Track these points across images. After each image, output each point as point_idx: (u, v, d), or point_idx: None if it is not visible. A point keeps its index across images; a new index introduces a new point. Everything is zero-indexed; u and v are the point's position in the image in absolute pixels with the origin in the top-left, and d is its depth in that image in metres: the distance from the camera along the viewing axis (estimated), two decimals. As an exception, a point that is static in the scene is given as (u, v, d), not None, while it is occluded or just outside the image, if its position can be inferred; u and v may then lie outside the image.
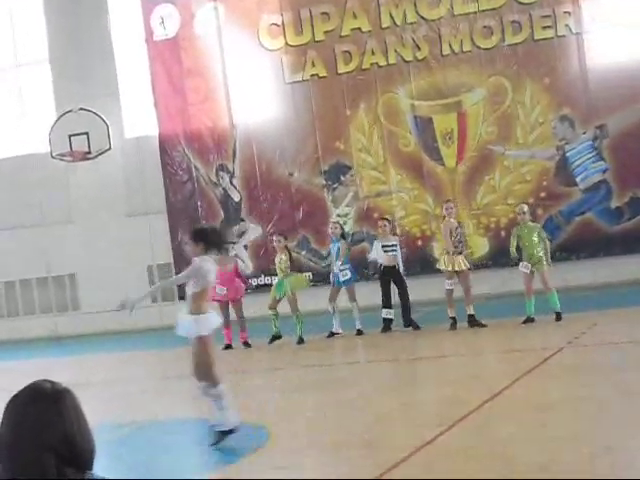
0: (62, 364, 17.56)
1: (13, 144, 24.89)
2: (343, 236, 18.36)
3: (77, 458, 3.06)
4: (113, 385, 15.19)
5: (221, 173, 23.16)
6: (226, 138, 23.00)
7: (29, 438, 3.00)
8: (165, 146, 23.41)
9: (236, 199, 23.11)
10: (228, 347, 17.87)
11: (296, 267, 18.89)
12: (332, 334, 17.80)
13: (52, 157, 22.88)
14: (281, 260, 17.97)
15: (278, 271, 18.10)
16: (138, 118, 23.79)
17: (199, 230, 10.91)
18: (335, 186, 22.42)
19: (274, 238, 18.89)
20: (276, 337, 17.66)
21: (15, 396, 3.10)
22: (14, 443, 3.00)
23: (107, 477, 3.13)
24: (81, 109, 22.75)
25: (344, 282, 17.82)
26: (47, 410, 3.05)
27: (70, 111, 22.89)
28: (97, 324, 23.47)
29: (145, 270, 23.88)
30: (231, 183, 23.12)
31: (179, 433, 11.45)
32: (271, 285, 19.24)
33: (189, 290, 10.54)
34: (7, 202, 24.42)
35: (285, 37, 22.53)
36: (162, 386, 15.14)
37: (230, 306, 17.95)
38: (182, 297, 23.06)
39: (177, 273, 23.32)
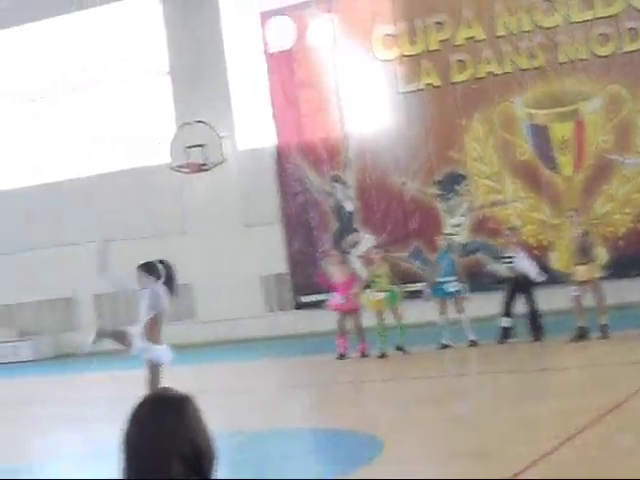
0: (177, 373, 17.75)
1: (135, 156, 25.32)
2: (454, 247, 18.25)
3: (201, 465, 3.08)
4: (228, 394, 15.33)
5: (334, 183, 23.23)
6: (339, 149, 23.07)
7: (159, 445, 3.01)
8: (280, 157, 23.59)
9: (349, 209, 23.15)
10: (342, 357, 17.87)
11: (406, 278, 18.82)
12: (444, 346, 17.66)
13: (171, 169, 23.25)
14: (382, 270, 17.98)
15: (380, 282, 17.99)
16: (254, 130, 24.00)
17: (152, 264, 10.88)
18: (449, 196, 22.27)
19: (373, 251, 19.08)
20: (384, 354, 17.56)
21: (140, 403, 3.12)
22: (143, 449, 3.02)
23: None
24: (198, 121, 23.09)
25: (452, 293, 17.71)
26: (174, 417, 3.07)
27: (187, 124, 23.26)
28: (212, 333, 23.73)
29: (259, 280, 24.06)
30: (344, 193, 23.17)
31: (294, 442, 11.50)
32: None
33: (144, 316, 10.79)
34: (125, 213, 24.86)
35: (399, 47, 22.51)
36: (277, 395, 15.22)
37: (349, 316, 17.96)
38: (299, 307, 23.36)
39: (293, 283, 23.49)
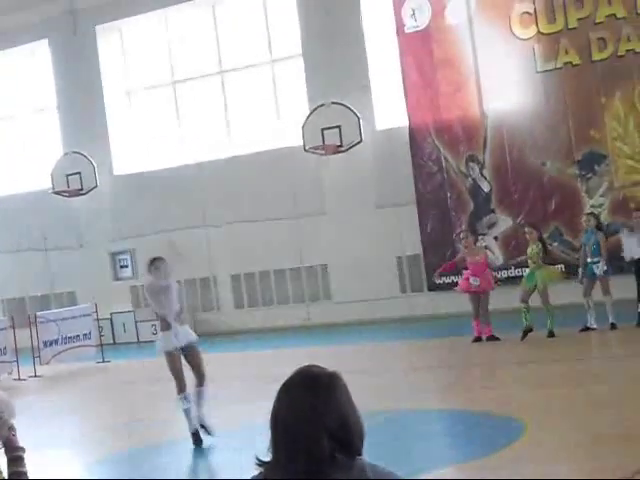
0: (314, 353, 17.92)
1: (269, 138, 25.60)
2: (599, 227, 17.87)
3: (349, 443, 3.08)
4: (363, 375, 15.37)
5: (471, 164, 23.03)
6: (476, 128, 22.83)
7: (310, 421, 3.03)
8: (415, 137, 23.49)
9: (486, 190, 22.92)
10: (477, 339, 17.74)
11: (549, 259, 18.52)
12: (586, 328, 17.34)
13: (305, 150, 23.40)
14: (532, 251, 17.67)
15: (529, 262, 17.81)
16: (389, 110, 23.95)
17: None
18: (589, 176, 21.83)
19: (525, 229, 18.64)
20: (528, 331, 17.31)
21: (289, 380, 3.14)
22: (294, 425, 3.04)
23: (377, 464, 3.13)
24: (333, 103, 23.16)
25: (599, 275, 17.35)
26: (324, 394, 3.08)
27: (322, 105, 23.35)
28: (348, 314, 23.83)
29: (395, 261, 24.06)
30: (481, 174, 22.95)
31: (432, 424, 11.49)
32: (521, 277, 18.95)
33: (175, 305, 12.10)
34: (263, 194, 25.14)
35: (537, 25, 22.13)
36: (412, 377, 15.22)
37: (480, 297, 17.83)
38: (431, 288, 23.30)
39: (426, 264, 23.44)
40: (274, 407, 3.11)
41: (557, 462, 8.48)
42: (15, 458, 5.70)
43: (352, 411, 3.11)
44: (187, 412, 11.64)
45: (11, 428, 5.52)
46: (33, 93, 29.39)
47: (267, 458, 3.09)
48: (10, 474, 5.73)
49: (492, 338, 17.61)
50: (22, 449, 5.77)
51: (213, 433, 11.51)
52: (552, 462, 8.43)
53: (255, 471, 3.12)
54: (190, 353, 11.76)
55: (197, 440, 11.43)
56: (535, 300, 17.40)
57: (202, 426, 11.55)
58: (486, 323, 17.70)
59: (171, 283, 12.13)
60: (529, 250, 17.78)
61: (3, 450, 5.58)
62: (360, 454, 3.11)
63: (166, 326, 11.84)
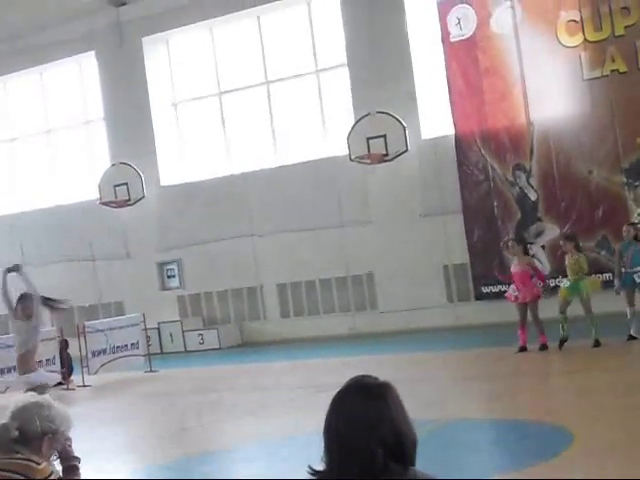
0: (361, 362, 17.91)
1: (314, 147, 25.67)
2: (637, 238, 17.73)
3: (403, 453, 3.10)
4: (410, 383, 15.35)
5: (517, 172, 22.93)
6: (523, 136, 22.75)
7: (364, 432, 3.05)
8: (461, 146, 23.45)
9: (533, 198, 22.81)
10: (522, 349, 17.62)
11: (597, 267, 18.37)
12: (631, 337, 17.21)
13: (351, 160, 23.43)
14: (570, 261, 17.59)
15: (569, 272, 17.68)
16: (435, 119, 23.93)
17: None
18: (637, 184, 21.65)
19: (560, 242, 18.71)
20: (564, 340, 17.18)
21: (343, 390, 3.16)
22: (348, 436, 3.06)
23: (430, 474, 3.14)
24: (378, 112, 23.17)
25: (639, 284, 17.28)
26: (378, 404, 3.10)
27: (368, 114, 23.37)
28: (394, 323, 23.80)
29: (441, 270, 24.01)
30: (528, 182, 22.84)
31: (480, 433, 11.44)
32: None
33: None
34: (308, 204, 25.19)
35: (584, 33, 22.02)
36: (459, 386, 15.18)
37: (527, 308, 17.72)
38: (478, 297, 23.22)
39: (473, 273, 23.37)
40: (328, 416, 3.14)
41: (607, 472, 8.43)
42: (70, 467, 5.76)
43: (405, 421, 3.13)
44: None
45: (67, 439, 5.59)
46: (81, 105, 29.70)
47: (320, 467, 3.12)
48: None
49: (544, 347, 17.48)
50: (77, 459, 5.83)
51: None
52: (602, 472, 8.37)
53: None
54: None
55: None
56: (572, 310, 17.28)
57: None
58: (539, 332, 17.55)
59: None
60: (567, 261, 17.71)
61: (58, 460, 5.65)
62: (413, 464, 3.12)
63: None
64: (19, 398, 5.44)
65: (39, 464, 4.70)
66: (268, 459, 11.39)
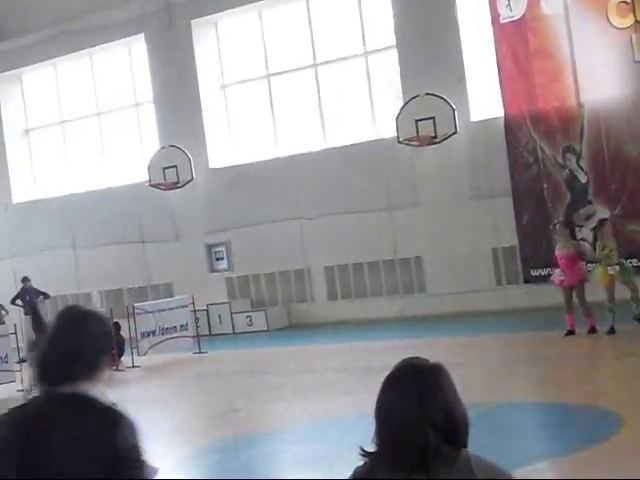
0: (408, 345, 17.91)
1: (362, 130, 25.63)
2: None
3: (455, 434, 3.10)
4: (459, 367, 15.28)
5: (567, 154, 22.73)
6: (573, 118, 22.53)
7: (416, 413, 3.06)
8: (511, 128, 23.28)
9: (583, 181, 22.61)
10: (570, 333, 17.49)
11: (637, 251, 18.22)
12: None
13: (399, 142, 23.35)
14: (604, 246, 17.46)
15: (609, 258, 17.48)
16: (484, 101, 23.77)
17: None
18: (687, 166, 21.39)
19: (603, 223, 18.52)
20: (612, 328, 17.01)
21: (395, 371, 3.16)
22: (400, 416, 3.06)
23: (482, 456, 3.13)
24: (427, 94, 23.05)
25: None
26: (430, 385, 3.10)
27: (417, 96, 23.26)
28: (442, 306, 23.73)
29: (490, 253, 23.88)
30: (578, 165, 22.64)
31: (528, 416, 11.40)
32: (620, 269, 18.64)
33: None
34: (356, 186, 25.15)
35: (635, 14, 21.71)
36: (507, 369, 15.11)
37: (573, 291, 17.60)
38: (527, 280, 23.09)
39: (522, 256, 23.23)
40: (379, 398, 3.14)
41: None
42: None
43: (457, 402, 3.13)
44: None
45: None
46: (130, 88, 29.87)
47: (371, 449, 3.13)
48: None
49: (592, 330, 17.35)
50: None
51: None
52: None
53: (360, 462, 3.15)
54: None
55: None
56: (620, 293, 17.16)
57: None
58: (587, 315, 17.42)
59: None
60: (613, 244, 17.59)
61: None
62: (465, 445, 3.12)
63: None
64: None
65: None
66: (316, 441, 11.43)
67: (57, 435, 3.49)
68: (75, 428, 3.48)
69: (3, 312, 26.19)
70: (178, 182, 27.11)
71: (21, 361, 20.17)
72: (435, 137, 23.06)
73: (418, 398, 3.06)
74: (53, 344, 3.62)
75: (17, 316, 25.36)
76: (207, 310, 26.36)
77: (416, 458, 3.02)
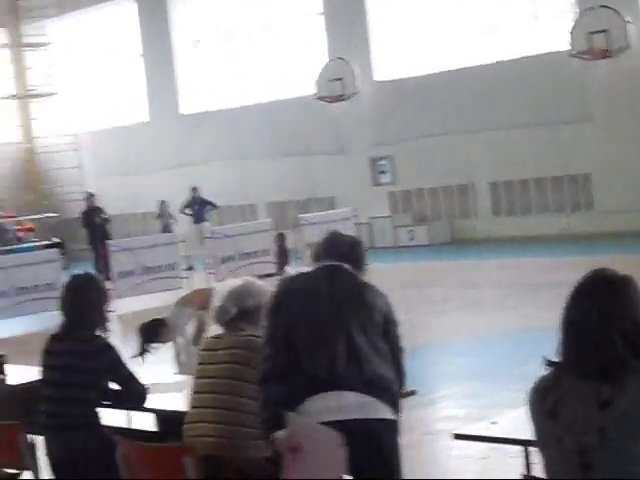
0: (575, 262, 17.61)
1: (532, 42, 24.95)
2: None
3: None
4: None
5: None
6: None
7: (607, 323, 3.02)
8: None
9: None
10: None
11: None
12: None
13: (571, 56, 22.71)
14: None
15: None
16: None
17: None
18: None
19: None
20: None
21: (583, 282, 3.14)
22: (589, 327, 3.04)
23: None
24: (601, 6, 22.30)
25: None
26: (621, 296, 3.07)
27: (590, 8, 22.54)
28: (610, 224, 23.16)
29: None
30: None
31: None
32: None
33: None
34: (524, 100, 24.63)
35: None
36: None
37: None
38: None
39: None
40: (566, 309, 3.11)
41: None
42: None
43: None
44: None
45: None
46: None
47: (556, 359, 3.11)
48: None
49: None
50: None
51: None
52: None
53: (544, 372, 3.13)
54: None
55: None
56: None
57: None
58: None
59: None
60: None
61: None
62: None
63: None
64: (227, 283, 6.01)
65: (260, 337, 5.00)
66: (480, 355, 11.41)
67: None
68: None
69: (172, 220, 26.92)
70: (343, 95, 27.10)
71: (189, 268, 20.74)
72: (607, 51, 22.34)
73: (608, 309, 3.03)
74: None
75: (186, 225, 26.08)
76: (370, 224, 26.48)
77: (603, 367, 2.98)
